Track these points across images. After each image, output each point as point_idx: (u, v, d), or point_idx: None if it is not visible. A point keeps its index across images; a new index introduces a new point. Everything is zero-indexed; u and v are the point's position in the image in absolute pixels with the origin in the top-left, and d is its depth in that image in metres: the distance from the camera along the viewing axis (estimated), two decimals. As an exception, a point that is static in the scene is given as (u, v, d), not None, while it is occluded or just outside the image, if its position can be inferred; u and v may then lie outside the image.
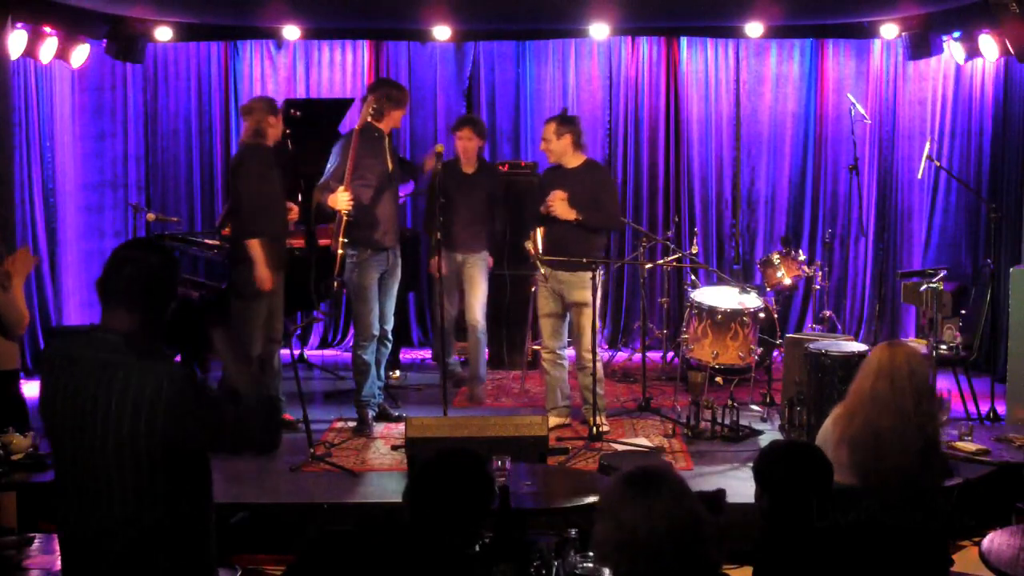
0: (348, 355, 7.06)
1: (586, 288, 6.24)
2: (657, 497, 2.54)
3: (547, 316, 6.44)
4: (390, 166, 6.33)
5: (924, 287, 6.78)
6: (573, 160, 6.33)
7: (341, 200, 6.09)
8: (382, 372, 6.68)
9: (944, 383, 6.75)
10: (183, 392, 2.65)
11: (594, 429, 6.16)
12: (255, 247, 6.03)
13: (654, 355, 7.95)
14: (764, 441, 6.26)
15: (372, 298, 6.38)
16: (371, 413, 6.50)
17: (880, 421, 3.62)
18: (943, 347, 6.72)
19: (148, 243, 2.94)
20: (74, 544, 2.77)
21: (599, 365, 6.40)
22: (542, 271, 6.09)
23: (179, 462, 2.72)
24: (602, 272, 6.38)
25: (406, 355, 8.44)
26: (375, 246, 6.29)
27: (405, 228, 7.79)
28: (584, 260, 6.22)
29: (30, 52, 6.93)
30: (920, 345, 6.99)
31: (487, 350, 7.26)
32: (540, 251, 6.27)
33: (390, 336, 6.60)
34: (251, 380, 2.82)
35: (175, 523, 2.73)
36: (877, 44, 8.62)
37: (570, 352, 6.65)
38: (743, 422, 6.41)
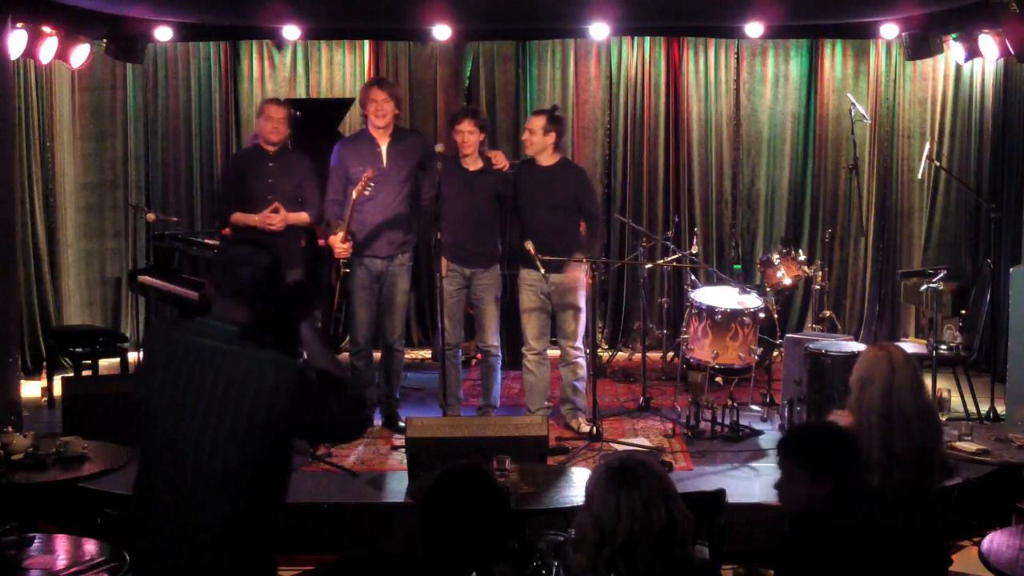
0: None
1: (574, 288, 6.25)
2: (627, 494, 2.56)
3: (533, 316, 6.35)
4: (384, 167, 6.16)
5: (924, 287, 6.79)
6: (549, 158, 6.27)
7: (339, 249, 6.14)
8: (393, 383, 6.52)
9: (944, 383, 6.76)
10: (300, 384, 2.78)
11: (593, 429, 6.17)
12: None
13: (654, 355, 7.94)
14: (764, 441, 6.27)
15: (357, 304, 6.33)
16: (368, 415, 6.47)
17: (887, 420, 3.64)
18: (943, 347, 6.72)
19: (258, 243, 3.07)
20: (156, 529, 2.80)
21: (583, 362, 6.40)
22: (542, 271, 6.05)
23: (280, 451, 2.83)
24: (589, 269, 6.36)
25: (406, 355, 8.42)
26: (359, 252, 6.22)
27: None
28: (584, 260, 6.23)
29: (30, 52, 6.92)
30: (920, 345, 6.99)
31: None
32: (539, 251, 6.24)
33: (396, 347, 6.46)
34: (337, 371, 2.96)
35: (267, 508, 2.84)
36: (877, 44, 8.62)
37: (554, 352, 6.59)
38: (743, 422, 6.40)
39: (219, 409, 2.73)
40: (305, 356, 2.98)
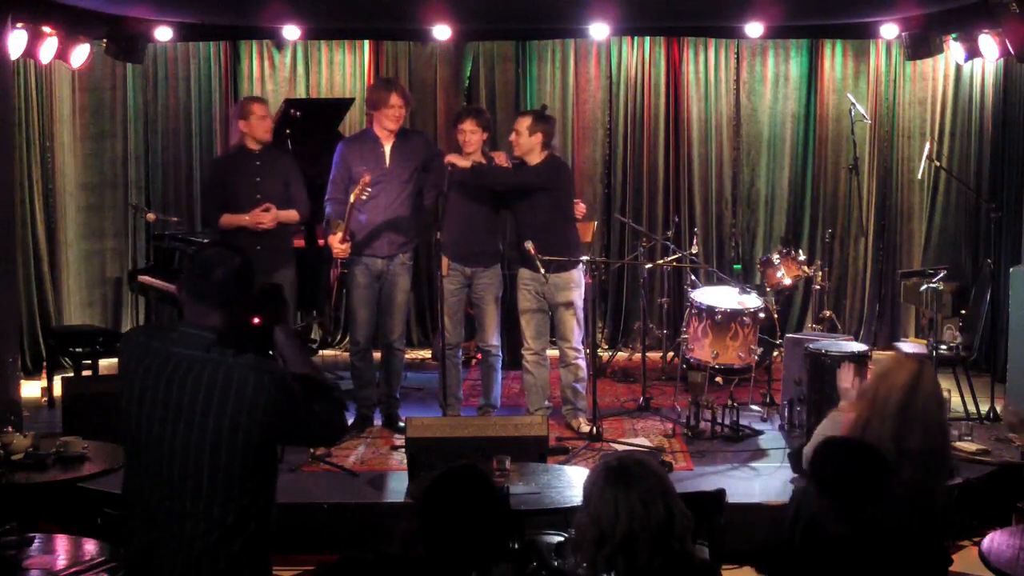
0: (348, 355, 7.01)
1: (570, 288, 6.24)
2: (625, 492, 2.57)
3: (531, 316, 6.34)
4: (387, 167, 6.17)
5: (924, 287, 6.79)
6: (536, 158, 6.21)
7: (337, 249, 6.13)
8: (393, 383, 6.51)
9: (944, 383, 6.75)
10: (282, 390, 2.76)
11: (593, 429, 6.17)
12: None
13: (654, 355, 7.95)
14: (764, 441, 6.27)
15: (357, 303, 6.32)
16: (368, 415, 6.48)
17: (903, 416, 3.63)
18: (943, 347, 6.73)
19: (228, 245, 3.03)
20: (151, 534, 2.80)
21: (583, 363, 6.39)
22: (542, 271, 6.05)
23: (265, 454, 2.83)
24: (585, 271, 6.35)
25: (406, 355, 8.42)
26: (358, 252, 6.21)
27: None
28: (583, 260, 6.22)
29: (30, 52, 6.92)
30: (920, 345, 7.00)
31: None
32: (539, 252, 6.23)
33: (396, 346, 6.44)
34: (314, 374, 2.93)
35: (259, 511, 2.84)
36: (877, 44, 8.62)
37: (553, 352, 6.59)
38: (743, 422, 6.40)
39: (201, 418, 2.71)
40: (280, 361, 2.95)
